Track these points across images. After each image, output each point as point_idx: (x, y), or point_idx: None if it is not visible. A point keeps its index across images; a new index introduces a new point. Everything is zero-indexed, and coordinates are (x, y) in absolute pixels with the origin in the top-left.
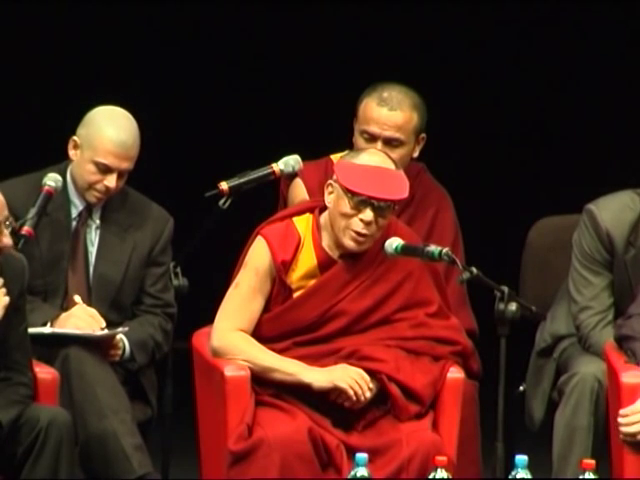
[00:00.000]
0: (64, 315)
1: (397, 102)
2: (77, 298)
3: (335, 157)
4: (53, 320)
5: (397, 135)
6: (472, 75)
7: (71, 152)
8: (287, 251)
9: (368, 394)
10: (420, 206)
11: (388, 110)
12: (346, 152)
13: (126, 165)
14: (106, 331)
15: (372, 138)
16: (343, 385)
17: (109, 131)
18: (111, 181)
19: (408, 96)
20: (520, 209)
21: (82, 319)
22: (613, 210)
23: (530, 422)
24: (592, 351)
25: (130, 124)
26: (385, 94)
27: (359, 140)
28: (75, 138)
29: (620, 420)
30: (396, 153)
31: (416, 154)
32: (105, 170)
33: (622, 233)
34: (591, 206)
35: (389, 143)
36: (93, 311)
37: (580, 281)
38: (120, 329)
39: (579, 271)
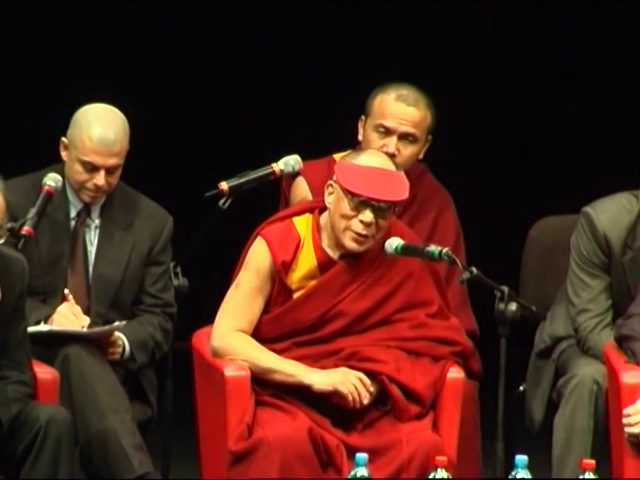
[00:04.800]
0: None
1: (414, 99)
2: (69, 295)
3: (338, 157)
4: (47, 319)
5: (413, 131)
6: (472, 75)
7: (62, 153)
8: (287, 252)
9: (366, 401)
10: (422, 207)
11: (406, 105)
12: (348, 152)
13: (113, 161)
14: (104, 327)
15: (388, 132)
16: (343, 390)
17: (90, 129)
18: (100, 179)
19: (423, 95)
20: (520, 209)
21: (65, 316)
22: (610, 212)
23: (530, 423)
24: (590, 354)
25: (113, 120)
26: (403, 91)
27: (372, 135)
28: (64, 139)
29: (624, 420)
30: (409, 149)
31: (421, 155)
32: (92, 168)
33: (619, 235)
34: (588, 209)
35: (404, 138)
36: (77, 309)
37: (578, 284)
38: (117, 324)
39: (577, 274)
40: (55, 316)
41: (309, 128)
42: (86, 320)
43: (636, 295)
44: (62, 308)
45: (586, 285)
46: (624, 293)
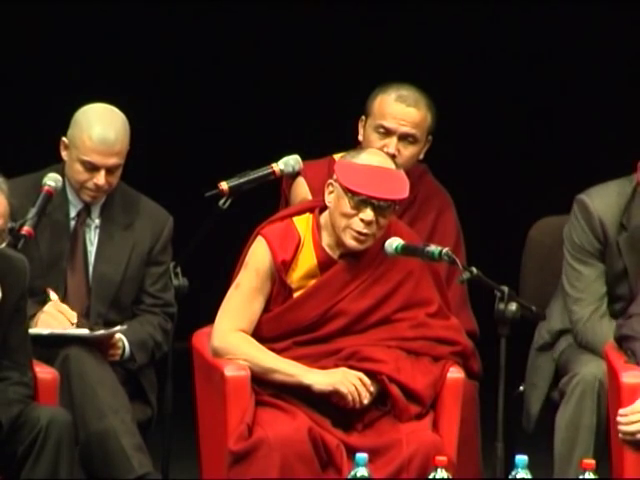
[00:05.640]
0: (38, 313)
1: (414, 100)
2: (52, 295)
3: (338, 157)
4: (32, 317)
5: (413, 131)
6: (472, 75)
7: (63, 153)
8: (287, 251)
9: (366, 401)
10: (422, 208)
11: (406, 106)
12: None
13: (113, 161)
14: (104, 330)
15: (388, 133)
16: (343, 390)
17: (91, 129)
18: (100, 179)
19: (423, 96)
20: (520, 209)
21: (53, 316)
22: (604, 196)
23: (526, 419)
24: (588, 346)
25: (114, 120)
26: (403, 92)
27: (373, 135)
28: (64, 139)
29: (619, 419)
30: (409, 150)
31: (422, 156)
32: (92, 168)
33: (614, 216)
34: (582, 196)
35: (404, 139)
36: (64, 307)
37: (572, 274)
38: (118, 327)
39: (571, 264)
40: (42, 316)
41: (309, 128)
42: (74, 316)
43: (636, 295)
44: (48, 308)
45: (580, 274)
46: (620, 275)
